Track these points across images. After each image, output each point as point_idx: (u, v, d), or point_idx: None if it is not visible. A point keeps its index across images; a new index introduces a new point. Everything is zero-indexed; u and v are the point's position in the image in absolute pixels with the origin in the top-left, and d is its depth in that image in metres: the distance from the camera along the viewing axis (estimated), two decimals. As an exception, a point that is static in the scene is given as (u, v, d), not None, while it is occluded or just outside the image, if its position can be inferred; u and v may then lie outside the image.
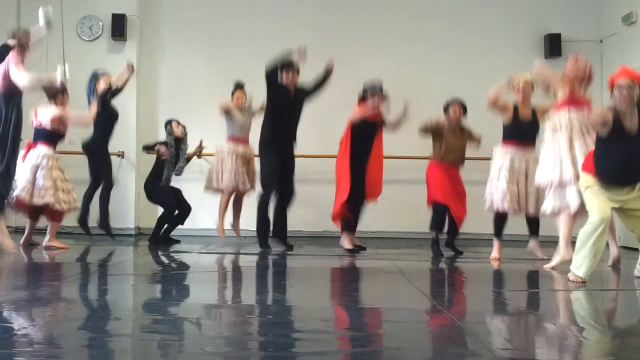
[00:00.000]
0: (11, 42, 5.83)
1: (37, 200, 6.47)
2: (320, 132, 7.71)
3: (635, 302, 4.48)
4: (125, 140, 8.28)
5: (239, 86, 7.62)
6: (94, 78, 7.33)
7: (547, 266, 5.56)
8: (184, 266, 5.88)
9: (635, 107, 4.64)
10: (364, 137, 6.89)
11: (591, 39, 8.81)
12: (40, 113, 6.58)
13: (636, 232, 4.97)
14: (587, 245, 4.64)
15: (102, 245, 7.23)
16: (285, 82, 6.90)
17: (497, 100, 6.29)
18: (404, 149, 8.12)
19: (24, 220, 7.24)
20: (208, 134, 8.50)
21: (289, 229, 7.35)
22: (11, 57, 5.94)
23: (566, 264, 5.28)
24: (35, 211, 6.69)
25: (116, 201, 7.95)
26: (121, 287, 4.60)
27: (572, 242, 5.09)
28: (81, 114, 6.91)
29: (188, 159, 7.78)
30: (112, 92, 7.37)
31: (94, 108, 7.02)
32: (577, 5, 9.05)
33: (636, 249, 7.70)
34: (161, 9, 9.15)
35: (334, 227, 8.31)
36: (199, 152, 8.05)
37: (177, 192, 7.58)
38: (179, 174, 7.56)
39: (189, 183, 7.88)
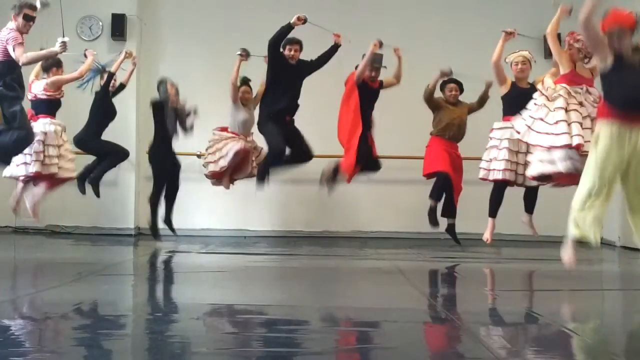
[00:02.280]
0: (18, 51, 5.80)
1: (45, 170, 6.62)
2: (319, 132, 7.68)
3: (636, 302, 4.48)
4: (125, 140, 8.23)
5: (244, 82, 7.59)
6: (100, 71, 7.30)
7: None
8: (183, 266, 5.88)
9: (630, 46, 4.57)
10: (366, 104, 6.91)
11: (591, 39, 8.80)
12: (34, 86, 6.71)
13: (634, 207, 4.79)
14: (582, 211, 4.55)
15: (101, 245, 7.23)
16: (288, 56, 6.93)
17: (500, 60, 6.30)
18: (404, 149, 8.11)
19: (23, 220, 7.26)
20: (208, 133, 8.49)
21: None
22: (11, 36, 5.84)
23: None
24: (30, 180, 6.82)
25: (116, 201, 7.96)
26: (121, 287, 4.60)
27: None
28: (72, 73, 6.96)
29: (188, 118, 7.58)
30: (116, 89, 7.37)
31: (89, 60, 7.05)
32: (577, 6, 9.03)
33: (636, 249, 7.72)
34: (161, 9, 9.13)
35: (334, 227, 8.33)
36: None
37: (175, 167, 7.49)
38: (188, 129, 7.47)
39: (189, 183, 7.88)
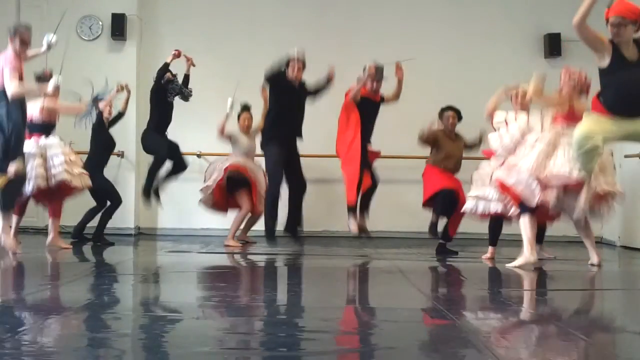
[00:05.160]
0: (12, 81, 5.73)
1: (54, 180, 6.46)
2: (320, 131, 7.70)
3: (636, 301, 4.48)
4: (125, 140, 8.27)
5: (245, 108, 7.58)
6: (94, 102, 7.26)
7: (510, 265, 5.57)
8: (183, 266, 5.87)
9: (631, 39, 4.57)
10: (367, 117, 6.90)
11: (591, 39, 8.80)
12: (29, 107, 6.49)
13: None
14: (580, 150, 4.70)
15: (102, 245, 7.21)
16: (291, 75, 6.88)
17: (495, 111, 6.22)
18: (404, 149, 8.12)
19: (23, 220, 7.21)
20: (208, 133, 8.49)
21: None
22: (8, 59, 5.83)
23: (530, 265, 5.39)
24: (26, 203, 6.67)
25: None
26: (121, 287, 4.60)
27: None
28: (71, 106, 6.88)
29: (185, 84, 7.57)
30: (114, 117, 7.34)
31: (85, 104, 6.99)
32: (577, 5, 9.03)
33: (636, 249, 7.73)
34: (161, 9, 9.14)
35: (334, 227, 8.32)
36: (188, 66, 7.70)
37: (173, 146, 7.50)
38: (186, 97, 7.46)
39: (189, 183, 7.88)
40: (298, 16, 9.09)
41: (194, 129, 8.38)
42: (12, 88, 5.75)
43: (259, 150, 7.38)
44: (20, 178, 5.94)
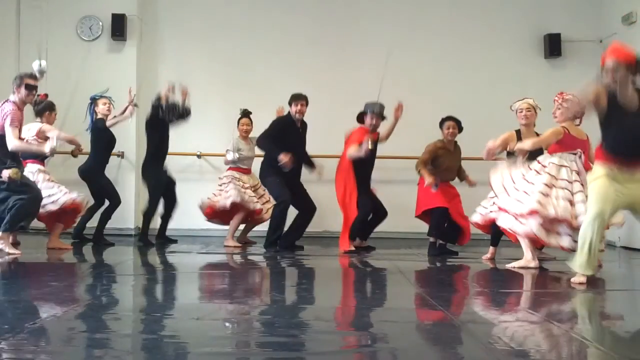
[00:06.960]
0: (12, 133, 5.77)
1: (52, 207, 6.44)
2: (321, 132, 7.70)
3: (636, 302, 4.48)
4: (125, 140, 8.26)
5: (245, 114, 7.58)
6: (92, 102, 7.24)
7: (510, 265, 5.68)
8: (183, 266, 5.88)
9: (628, 84, 4.57)
10: (368, 159, 6.93)
11: (591, 39, 8.81)
12: (25, 130, 6.45)
13: None
14: (585, 242, 4.61)
15: (102, 245, 7.21)
16: (295, 112, 7.00)
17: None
18: (404, 149, 8.12)
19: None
20: (208, 133, 8.51)
21: (287, 229, 7.34)
22: (10, 111, 5.81)
23: (528, 269, 5.48)
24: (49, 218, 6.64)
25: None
26: (121, 287, 4.60)
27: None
28: (68, 136, 6.81)
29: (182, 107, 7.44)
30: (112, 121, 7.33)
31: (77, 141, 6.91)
32: (577, 5, 9.06)
33: (636, 249, 7.73)
34: (161, 9, 9.14)
35: (334, 228, 8.32)
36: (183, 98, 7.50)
37: (170, 183, 7.52)
38: (186, 113, 7.40)
39: (189, 183, 7.87)
40: (298, 16, 9.09)
41: (194, 129, 8.37)
42: (11, 143, 5.79)
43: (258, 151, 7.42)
44: (34, 199, 5.93)
